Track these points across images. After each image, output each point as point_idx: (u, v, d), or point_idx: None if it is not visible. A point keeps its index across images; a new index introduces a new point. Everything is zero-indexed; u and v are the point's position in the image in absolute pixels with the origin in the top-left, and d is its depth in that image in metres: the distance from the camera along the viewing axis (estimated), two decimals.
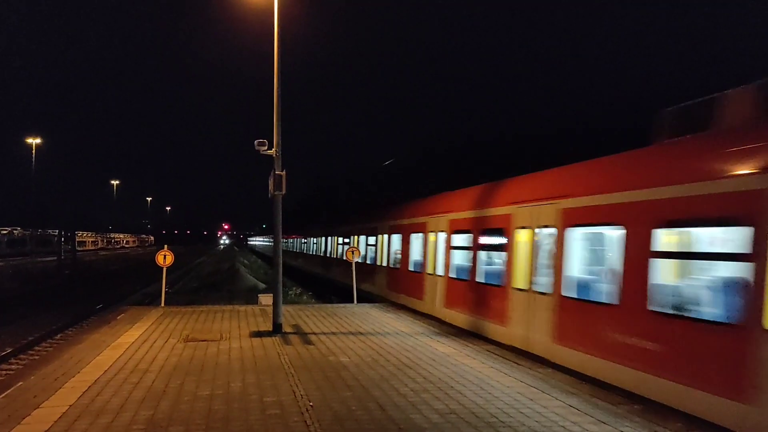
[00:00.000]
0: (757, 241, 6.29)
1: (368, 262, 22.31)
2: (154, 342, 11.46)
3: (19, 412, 6.88)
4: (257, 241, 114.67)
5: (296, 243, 47.24)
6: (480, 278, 12.82)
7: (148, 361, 9.75)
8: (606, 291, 8.79)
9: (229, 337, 12.15)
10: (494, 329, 11.79)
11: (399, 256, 18.65)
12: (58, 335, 17.34)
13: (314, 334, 12.64)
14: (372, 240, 22.37)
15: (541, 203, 10.59)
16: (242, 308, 17.39)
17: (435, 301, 15.19)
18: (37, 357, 13.32)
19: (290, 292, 29.49)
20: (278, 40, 13.58)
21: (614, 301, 8.35)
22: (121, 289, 32.39)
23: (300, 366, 9.46)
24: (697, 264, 7.82)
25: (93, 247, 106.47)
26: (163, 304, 17.75)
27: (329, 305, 19.31)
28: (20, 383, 8.22)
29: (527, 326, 10.61)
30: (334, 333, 12.75)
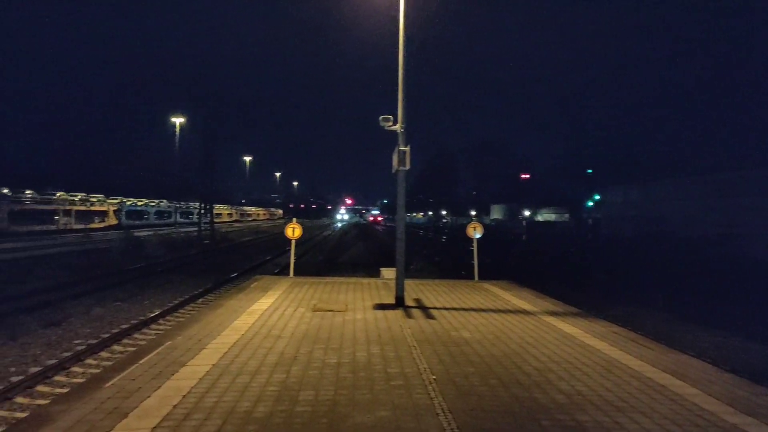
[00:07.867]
0: None
1: None
2: (285, 310, 12.10)
3: (169, 368, 7.58)
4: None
5: None
6: None
7: (280, 327, 10.33)
8: None
9: (354, 308, 12.56)
10: None
11: None
12: (200, 300, 18.77)
13: (436, 308, 12.76)
14: None
15: None
16: (365, 281, 17.87)
17: None
18: (182, 319, 14.50)
19: None
20: (403, 19, 13.58)
21: None
22: (254, 258, 34.37)
23: (422, 339, 9.60)
24: None
25: (228, 219, 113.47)
26: (291, 274, 18.68)
27: (450, 281, 19.35)
28: (168, 342, 9.02)
29: None
30: (455, 308, 12.79)
